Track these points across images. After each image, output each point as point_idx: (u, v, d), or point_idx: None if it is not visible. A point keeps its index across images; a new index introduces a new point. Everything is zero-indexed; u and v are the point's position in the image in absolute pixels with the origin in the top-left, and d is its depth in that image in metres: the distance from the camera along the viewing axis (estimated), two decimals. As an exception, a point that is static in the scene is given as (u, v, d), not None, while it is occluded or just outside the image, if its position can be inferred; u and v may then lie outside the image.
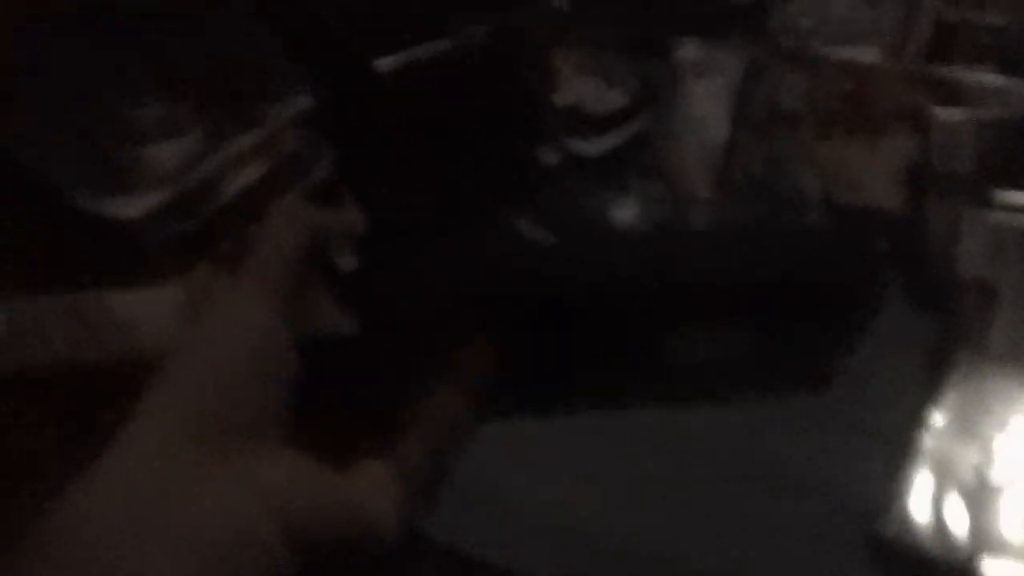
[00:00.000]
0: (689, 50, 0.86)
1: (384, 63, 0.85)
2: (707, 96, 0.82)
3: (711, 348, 0.33)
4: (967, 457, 0.51)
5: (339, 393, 0.32)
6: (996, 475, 0.50)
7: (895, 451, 0.53)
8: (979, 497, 0.49)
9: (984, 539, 0.47)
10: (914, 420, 0.54)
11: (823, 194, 0.74)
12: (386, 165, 0.92)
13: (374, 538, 0.29)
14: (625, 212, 0.79)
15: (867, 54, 0.80)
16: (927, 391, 0.56)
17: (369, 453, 0.31)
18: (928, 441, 0.53)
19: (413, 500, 0.30)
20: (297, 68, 0.80)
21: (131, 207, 0.69)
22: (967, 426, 0.53)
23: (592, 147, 0.88)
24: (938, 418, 0.54)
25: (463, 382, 0.33)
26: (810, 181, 0.75)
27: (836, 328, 0.32)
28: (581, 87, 0.90)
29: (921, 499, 0.50)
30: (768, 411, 0.54)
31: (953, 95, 0.75)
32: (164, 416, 0.28)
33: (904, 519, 0.49)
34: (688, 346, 0.33)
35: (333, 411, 0.32)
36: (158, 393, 0.29)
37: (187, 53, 0.78)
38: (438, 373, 0.33)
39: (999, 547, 0.47)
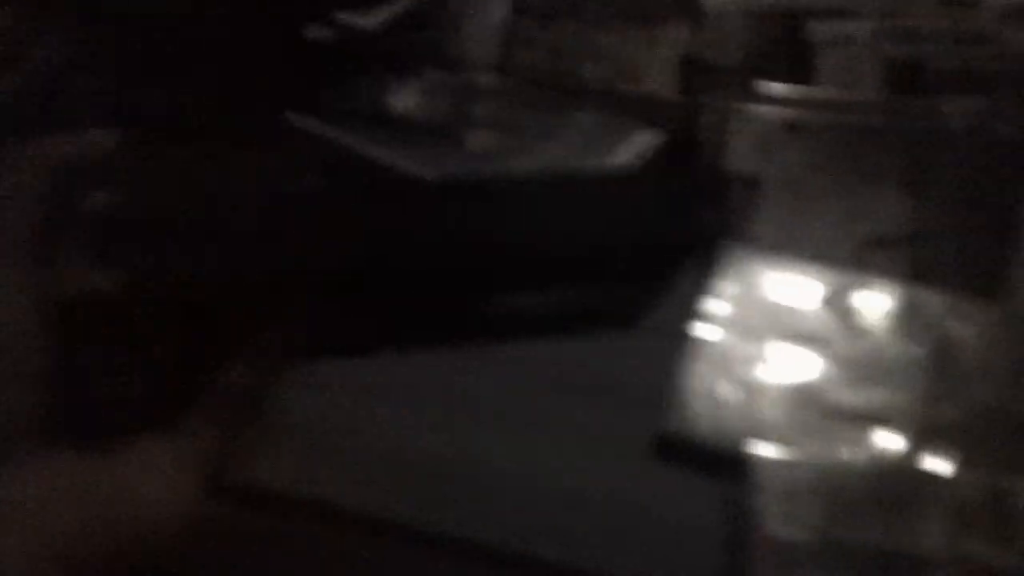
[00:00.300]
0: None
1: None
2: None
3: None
4: (740, 349, 0.56)
5: (103, 372, 0.28)
6: (765, 365, 0.56)
7: (674, 347, 0.57)
8: (751, 387, 0.54)
9: (755, 427, 0.52)
10: (691, 314, 0.58)
11: (604, 84, 0.76)
12: (135, 62, 0.84)
13: (155, 526, 0.27)
14: (408, 100, 0.78)
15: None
16: (702, 285, 0.60)
17: (143, 442, 0.27)
18: (704, 334, 0.57)
19: (202, 472, 0.29)
20: None
21: None
22: (738, 318, 0.58)
23: (368, 21, 0.85)
24: (712, 311, 0.58)
25: (266, 344, 0.30)
26: (592, 71, 0.77)
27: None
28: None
29: (699, 393, 0.54)
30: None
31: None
32: None
33: (683, 413, 0.54)
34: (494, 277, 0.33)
35: (96, 395, 0.28)
36: None
37: None
38: (230, 336, 0.30)
39: (768, 433, 0.52)
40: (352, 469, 0.52)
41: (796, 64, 0.72)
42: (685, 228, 0.58)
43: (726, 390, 0.54)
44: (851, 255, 0.61)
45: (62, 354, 0.26)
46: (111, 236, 0.27)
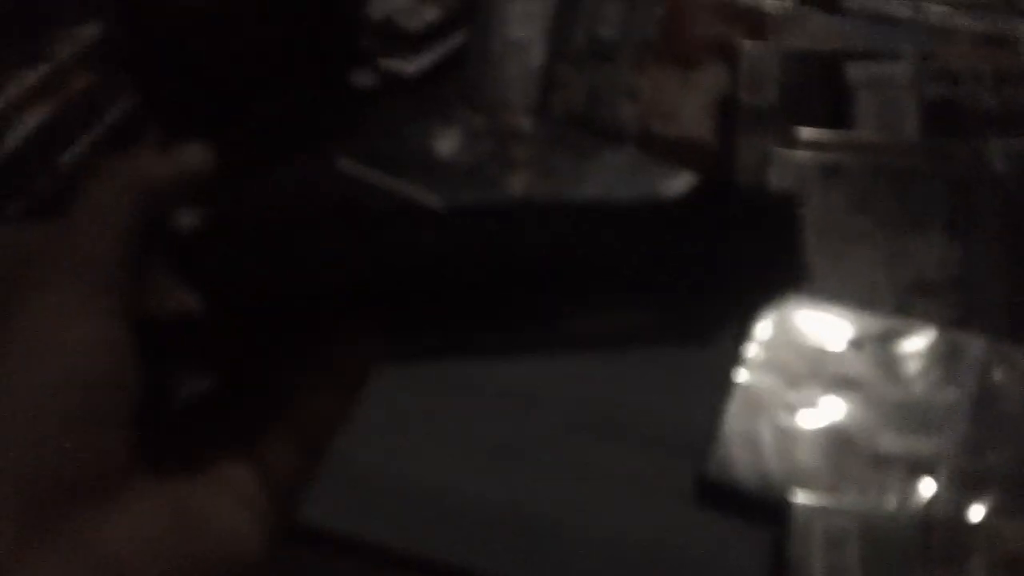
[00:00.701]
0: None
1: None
2: (523, 18, 0.82)
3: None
4: (781, 393, 0.56)
5: (190, 401, 0.29)
6: (807, 410, 0.55)
7: (715, 390, 0.57)
8: (792, 432, 0.54)
9: (796, 473, 0.52)
10: (732, 359, 0.58)
11: (640, 127, 0.77)
12: (195, 102, 0.87)
13: (242, 564, 0.27)
14: (451, 144, 0.79)
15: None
16: (742, 327, 0.60)
17: (231, 472, 0.27)
18: (745, 378, 0.57)
19: (282, 506, 0.27)
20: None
21: None
22: (780, 363, 0.57)
23: (409, 65, 0.87)
24: (753, 355, 0.58)
25: (343, 368, 0.29)
26: (628, 113, 0.77)
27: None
28: (387, 4, 0.88)
29: (740, 437, 0.54)
30: (605, 362, 0.56)
31: (759, 26, 0.78)
32: None
33: (725, 458, 0.54)
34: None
35: (183, 426, 0.28)
36: None
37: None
38: (311, 359, 0.29)
39: (810, 480, 0.52)
40: (399, 511, 0.53)
41: (834, 107, 0.72)
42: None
43: (767, 435, 0.54)
44: (893, 299, 0.61)
45: (150, 379, 0.26)
46: (198, 254, 0.28)
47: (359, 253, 0.27)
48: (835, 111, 0.72)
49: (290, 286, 0.27)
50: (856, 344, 0.57)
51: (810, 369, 0.57)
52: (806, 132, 0.70)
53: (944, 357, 0.56)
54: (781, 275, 0.28)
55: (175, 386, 0.29)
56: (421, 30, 0.86)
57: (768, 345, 0.58)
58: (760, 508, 0.51)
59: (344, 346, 0.29)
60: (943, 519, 0.49)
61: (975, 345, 0.57)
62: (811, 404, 0.55)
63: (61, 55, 0.70)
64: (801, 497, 0.50)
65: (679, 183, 0.74)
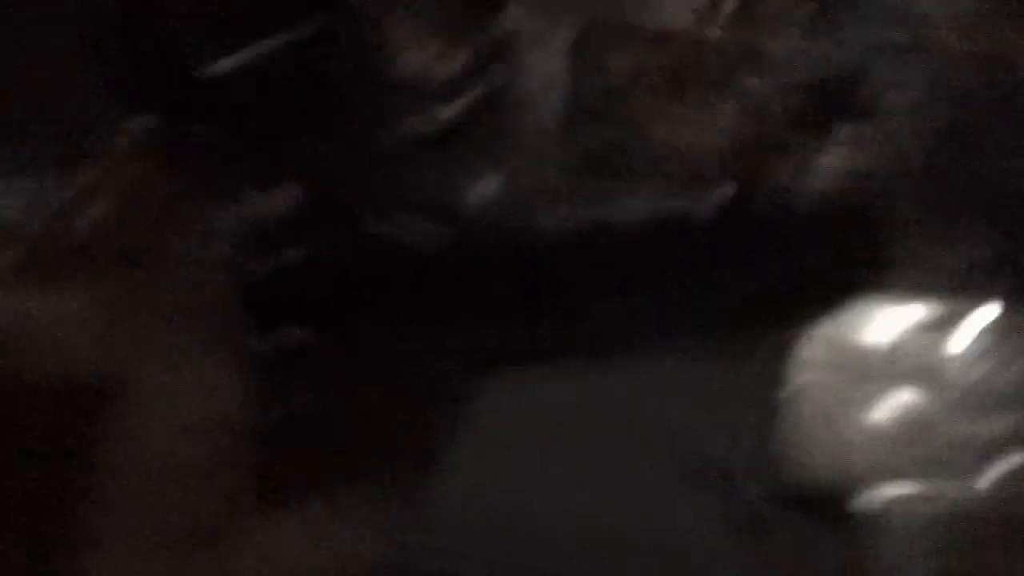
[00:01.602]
0: (515, 18, 0.89)
1: (215, 69, 0.83)
2: (539, 70, 0.87)
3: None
4: (842, 391, 0.58)
5: (301, 438, 0.30)
6: (871, 405, 0.58)
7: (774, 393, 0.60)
8: (861, 430, 0.57)
9: (873, 469, 0.55)
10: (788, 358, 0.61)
11: (657, 168, 0.81)
12: (230, 178, 0.90)
13: None
14: (477, 197, 0.82)
15: (680, 21, 0.86)
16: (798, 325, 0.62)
17: (347, 494, 0.27)
18: (803, 379, 0.60)
19: (392, 523, 0.28)
20: (124, 90, 0.77)
21: None
22: (836, 359, 0.60)
23: (431, 122, 0.90)
24: (809, 354, 0.61)
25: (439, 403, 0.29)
26: (645, 156, 0.82)
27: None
28: (414, 58, 0.92)
29: (808, 440, 0.58)
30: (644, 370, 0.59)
31: (759, 62, 0.83)
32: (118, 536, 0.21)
33: (796, 464, 0.57)
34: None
35: (296, 454, 0.29)
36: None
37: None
38: (413, 390, 0.30)
39: (887, 474, 0.55)
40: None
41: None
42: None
43: (836, 435, 0.57)
44: (947, 282, 0.61)
45: (261, 412, 0.29)
46: (301, 291, 0.25)
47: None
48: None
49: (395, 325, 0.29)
50: (917, 329, 0.59)
51: (869, 362, 0.59)
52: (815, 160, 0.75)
53: (1010, 332, 0.58)
54: (854, 276, 0.29)
55: (289, 419, 0.30)
56: (442, 86, 0.89)
57: (822, 340, 0.59)
58: (841, 514, 0.54)
59: (444, 378, 0.30)
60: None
61: None
62: (875, 398, 0.58)
63: (112, 150, 0.73)
64: (876, 490, 0.54)
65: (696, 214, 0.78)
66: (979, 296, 0.60)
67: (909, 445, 0.55)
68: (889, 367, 0.57)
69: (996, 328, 0.58)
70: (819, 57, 0.79)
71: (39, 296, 0.54)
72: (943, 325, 0.59)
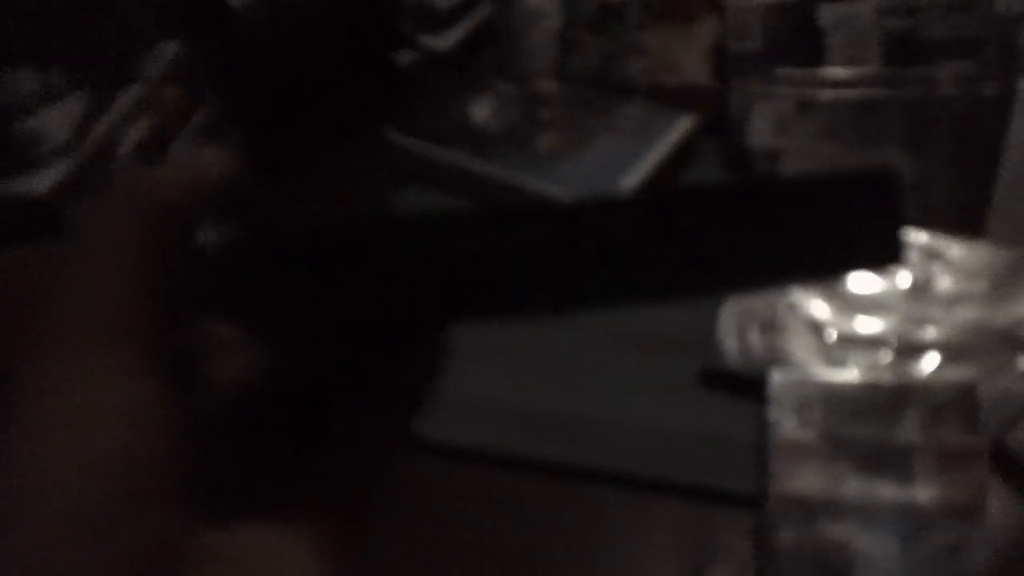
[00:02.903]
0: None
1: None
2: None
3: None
4: (762, 299, 0.70)
5: (240, 453, 0.25)
6: (783, 305, 0.69)
7: (711, 303, 0.71)
8: (769, 325, 0.68)
9: (776, 356, 0.66)
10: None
11: (649, 78, 0.89)
12: (260, 101, 1.00)
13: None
14: (485, 111, 0.92)
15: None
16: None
17: (290, 521, 0.24)
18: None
19: (343, 545, 0.25)
20: (162, 17, 0.86)
21: (37, 183, 0.73)
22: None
23: (442, 41, 1.00)
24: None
25: (393, 403, 0.26)
26: (638, 68, 0.90)
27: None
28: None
29: (730, 333, 0.68)
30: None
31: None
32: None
33: (720, 349, 0.68)
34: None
35: (232, 478, 0.25)
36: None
37: (49, 15, 0.83)
38: (361, 392, 0.26)
39: (786, 360, 0.66)
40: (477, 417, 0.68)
41: (809, 48, 0.84)
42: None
43: (755, 328, 0.68)
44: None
45: (187, 412, 0.23)
46: (232, 276, 0.24)
47: (419, 269, 0.23)
48: (811, 51, 0.84)
49: (339, 310, 0.24)
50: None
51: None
52: (785, 72, 0.82)
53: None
54: (875, 255, 0.25)
55: (215, 432, 0.25)
56: (451, 8, 0.98)
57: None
58: (749, 386, 0.66)
59: (397, 372, 0.26)
60: (888, 382, 0.62)
61: (922, 239, 0.70)
62: (791, 303, 0.69)
63: (152, 72, 0.83)
64: (778, 374, 0.64)
65: (683, 126, 0.87)
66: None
67: (805, 340, 0.64)
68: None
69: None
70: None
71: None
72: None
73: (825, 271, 0.25)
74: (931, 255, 0.69)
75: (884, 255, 0.25)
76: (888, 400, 0.62)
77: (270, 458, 0.26)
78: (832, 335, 0.67)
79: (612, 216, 0.24)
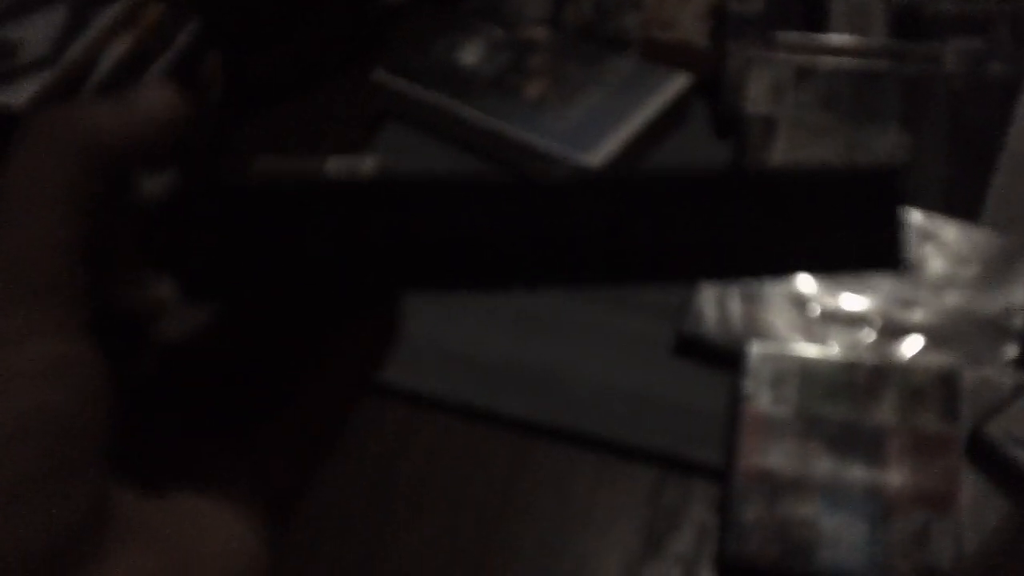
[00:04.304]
0: None
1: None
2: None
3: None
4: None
5: (173, 415, 0.24)
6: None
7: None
8: (751, 296, 0.66)
9: (755, 328, 0.64)
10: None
11: (644, 33, 0.86)
12: (245, 28, 0.97)
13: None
14: (474, 55, 0.89)
15: None
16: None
17: (226, 490, 0.23)
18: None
19: (280, 515, 0.24)
20: None
21: (13, 95, 0.71)
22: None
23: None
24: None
25: (344, 364, 0.25)
26: (633, 22, 0.87)
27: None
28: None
29: (710, 301, 0.66)
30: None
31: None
32: None
33: (698, 317, 0.65)
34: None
35: (164, 445, 0.23)
36: None
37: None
38: (308, 355, 0.25)
39: (764, 333, 0.64)
40: (443, 368, 0.66)
41: (812, 14, 0.81)
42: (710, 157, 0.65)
43: (735, 298, 0.65)
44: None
45: (124, 396, 0.22)
46: (171, 230, 0.22)
47: (374, 227, 0.22)
48: (813, 17, 0.81)
49: (287, 268, 0.22)
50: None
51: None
52: (785, 36, 0.79)
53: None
54: (875, 260, 0.24)
55: (153, 398, 0.24)
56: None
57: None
58: (725, 356, 0.63)
59: (346, 340, 0.25)
60: (869, 362, 0.60)
61: (914, 218, 0.67)
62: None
63: None
64: (756, 346, 0.62)
65: (675, 85, 0.84)
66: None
67: (783, 313, 0.62)
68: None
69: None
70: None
71: None
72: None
73: (816, 269, 0.24)
74: (925, 236, 0.67)
75: (882, 259, 0.24)
76: (866, 381, 0.60)
77: (212, 426, 0.24)
78: (815, 310, 0.64)
79: (598, 194, 0.23)
